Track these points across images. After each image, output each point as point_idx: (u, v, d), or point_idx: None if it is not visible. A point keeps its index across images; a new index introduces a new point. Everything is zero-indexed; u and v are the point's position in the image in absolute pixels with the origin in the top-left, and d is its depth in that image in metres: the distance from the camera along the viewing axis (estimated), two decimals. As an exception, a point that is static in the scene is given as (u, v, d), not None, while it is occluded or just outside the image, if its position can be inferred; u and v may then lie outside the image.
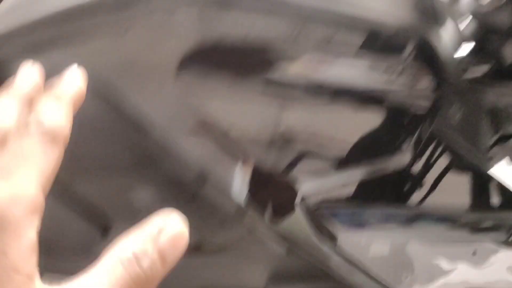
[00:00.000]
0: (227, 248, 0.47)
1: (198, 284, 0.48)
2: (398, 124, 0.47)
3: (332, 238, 0.47)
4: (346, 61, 0.43)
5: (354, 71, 0.43)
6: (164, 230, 0.21)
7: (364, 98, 0.45)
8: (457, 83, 0.44)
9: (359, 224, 0.48)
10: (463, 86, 0.44)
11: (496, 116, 0.47)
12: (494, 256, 0.51)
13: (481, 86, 0.45)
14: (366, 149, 0.47)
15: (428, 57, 0.43)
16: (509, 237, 0.51)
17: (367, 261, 0.48)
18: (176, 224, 0.21)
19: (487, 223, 0.52)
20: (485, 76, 0.44)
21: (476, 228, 0.51)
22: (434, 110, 0.45)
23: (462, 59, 0.43)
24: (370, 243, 0.48)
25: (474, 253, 0.50)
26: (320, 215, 0.47)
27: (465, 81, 0.44)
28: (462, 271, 0.51)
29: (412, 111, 0.46)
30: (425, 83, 0.44)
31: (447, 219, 0.50)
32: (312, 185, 0.47)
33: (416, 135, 0.47)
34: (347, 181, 0.47)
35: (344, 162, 0.47)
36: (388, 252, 0.48)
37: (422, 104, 0.45)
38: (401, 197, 0.49)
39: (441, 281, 0.51)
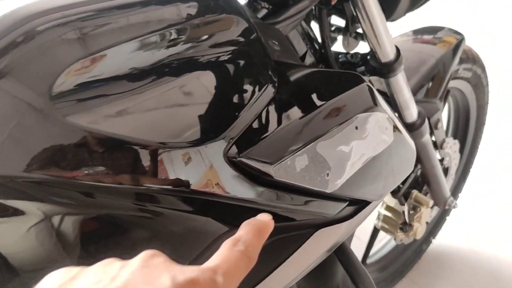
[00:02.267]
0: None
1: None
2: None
3: (266, 174, 0.49)
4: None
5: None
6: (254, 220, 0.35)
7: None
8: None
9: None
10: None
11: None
12: (368, 123, 0.60)
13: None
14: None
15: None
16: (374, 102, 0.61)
17: (298, 177, 0.52)
18: (263, 217, 0.36)
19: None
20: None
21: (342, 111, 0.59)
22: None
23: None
24: (293, 161, 0.51)
25: (356, 128, 0.59)
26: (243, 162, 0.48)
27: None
28: (356, 146, 0.59)
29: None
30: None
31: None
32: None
33: None
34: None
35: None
36: (308, 160, 0.53)
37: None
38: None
39: (348, 163, 0.58)
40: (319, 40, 0.79)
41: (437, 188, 1.18)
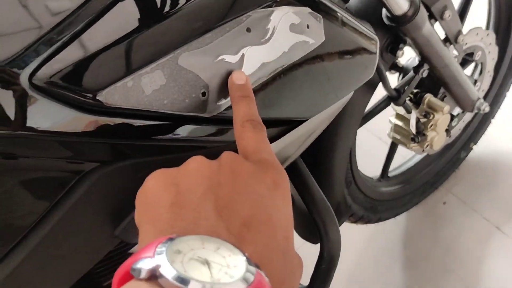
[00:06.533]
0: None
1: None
2: None
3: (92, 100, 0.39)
4: None
5: None
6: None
7: None
8: None
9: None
10: None
11: None
12: (269, 23, 0.46)
13: None
14: None
15: None
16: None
17: (150, 102, 0.41)
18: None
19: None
20: None
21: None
22: None
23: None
24: (138, 81, 0.40)
25: (248, 30, 0.45)
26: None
27: None
28: (250, 54, 0.45)
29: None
30: None
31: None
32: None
33: None
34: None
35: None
36: (165, 78, 0.41)
37: None
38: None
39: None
40: None
41: (458, 90, 0.99)
